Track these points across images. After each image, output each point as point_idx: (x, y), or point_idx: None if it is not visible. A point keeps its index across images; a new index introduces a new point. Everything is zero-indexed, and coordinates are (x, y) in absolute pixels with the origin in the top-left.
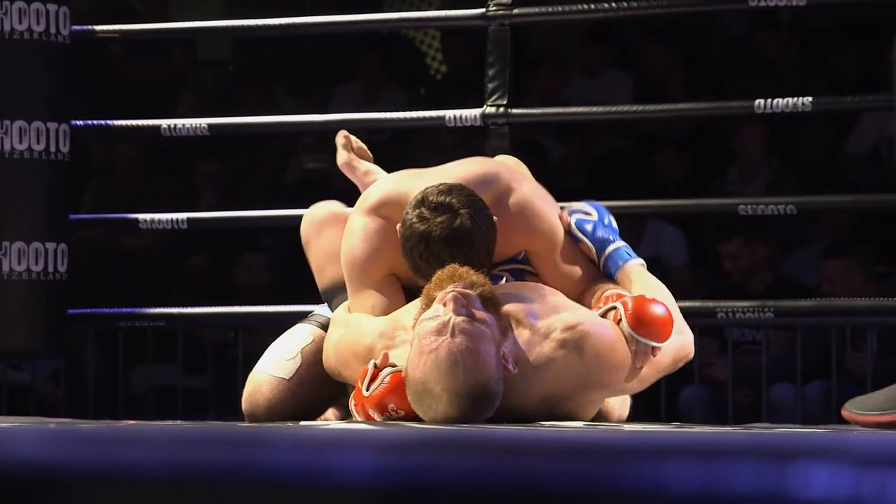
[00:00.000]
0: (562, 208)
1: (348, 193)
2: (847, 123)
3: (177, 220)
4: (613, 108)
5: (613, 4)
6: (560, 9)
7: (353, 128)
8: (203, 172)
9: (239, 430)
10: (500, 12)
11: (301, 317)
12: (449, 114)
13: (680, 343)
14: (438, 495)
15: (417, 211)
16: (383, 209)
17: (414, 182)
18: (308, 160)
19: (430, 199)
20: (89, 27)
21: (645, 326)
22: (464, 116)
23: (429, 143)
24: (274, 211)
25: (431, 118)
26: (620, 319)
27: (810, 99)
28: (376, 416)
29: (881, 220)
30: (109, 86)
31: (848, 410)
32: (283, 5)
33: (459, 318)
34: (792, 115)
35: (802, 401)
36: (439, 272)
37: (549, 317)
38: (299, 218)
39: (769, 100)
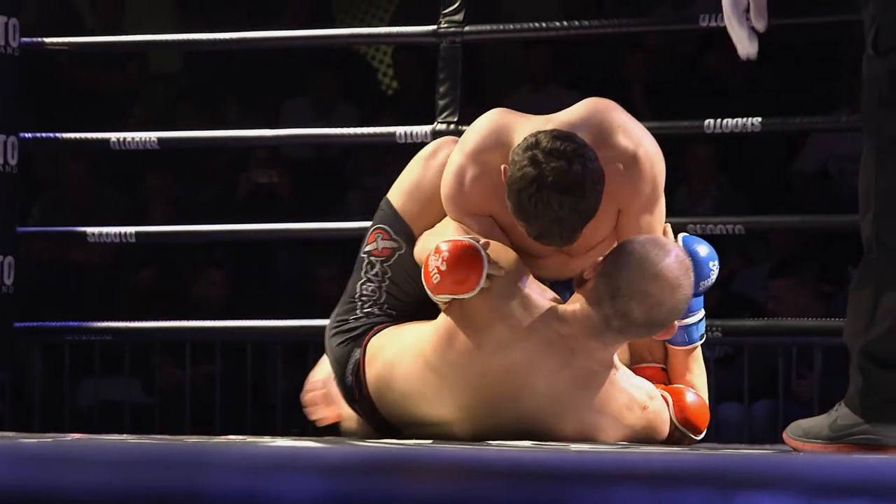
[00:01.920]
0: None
1: (298, 209)
2: (796, 144)
3: (125, 233)
4: None
5: (565, 23)
6: (512, 26)
7: (303, 143)
8: (153, 186)
9: (183, 449)
10: (452, 29)
11: (253, 333)
12: (399, 130)
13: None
14: None
15: (530, 153)
16: (483, 155)
17: (518, 126)
18: (258, 174)
19: (543, 143)
20: (39, 39)
21: (689, 422)
22: (414, 133)
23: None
24: (224, 225)
25: (381, 134)
26: (669, 405)
27: (759, 119)
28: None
29: (828, 239)
30: (60, 98)
31: (790, 436)
32: (236, 20)
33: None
34: (741, 135)
35: (749, 420)
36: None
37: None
38: (250, 232)
39: (719, 120)
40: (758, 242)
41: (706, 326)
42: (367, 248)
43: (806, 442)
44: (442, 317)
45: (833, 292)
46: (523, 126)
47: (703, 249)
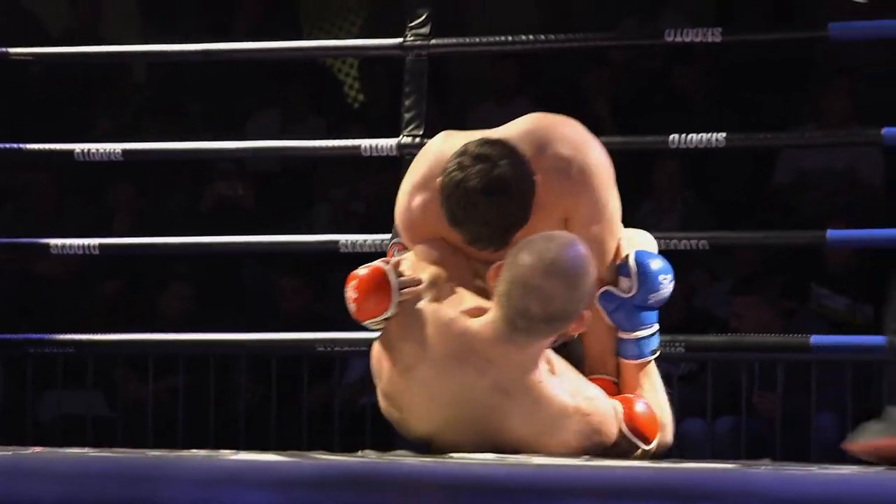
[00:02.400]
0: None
1: (264, 222)
2: (763, 160)
3: (88, 245)
4: None
5: (531, 37)
6: (478, 40)
7: (269, 155)
8: (117, 198)
9: (139, 463)
10: (418, 42)
11: (217, 346)
12: (364, 143)
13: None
14: None
15: (457, 160)
16: (428, 182)
17: (457, 142)
18: (224, 187)
19: (471, 149)
20: (3, 49)
21: (638, 430)
22: (379, 146)
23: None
24: (189, 238)
25: (347, 147)
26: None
27: (724, 135)
28: None
29: (792, 256)
30: (24, 108)
31: (862, 441)
32: (202, 30)
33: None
34: (706, 150)
35: (713, 436)
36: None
37: (580, 382)
38: (214, 245)
39: (683, 135)
40: (722, 258)
41: (670, 342)
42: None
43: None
44: (376, 346)
45: (795, 308)
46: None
47: (656, 263)
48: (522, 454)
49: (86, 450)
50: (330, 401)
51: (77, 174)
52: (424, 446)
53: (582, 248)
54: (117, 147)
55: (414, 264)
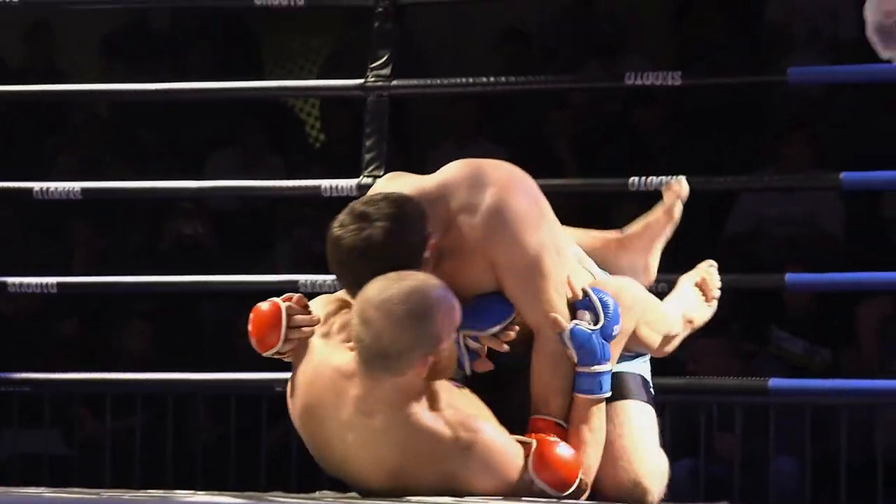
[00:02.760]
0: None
1: (224, 261)
2: (723, 206)
3: (46, 283)
4: None
5: (492, 78)
6: (439, 81)
7: (229, 194)
8: (76, 236)
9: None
10: (379, 83)
11: (175, 385)
12: (325, 183)
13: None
14: None
15: (341, 217)
16: None
17: (399, 184)
18: (184, 225)
19: (356, 206)
20: None
21: (549, 472)
22: (340, 186)
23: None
24: (147, 277)
25: (307, 187)
26: (529, 454)
27: (683, 178)
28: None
29: (752, 300)
30: None
31: None
32: (164, 69)
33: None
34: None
35: (671, 479)
36: None
37: (466, 407)
38: (173, 284)
39: (643, 177)
40: None
41: None
42: None
43: None
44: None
45: (755, 351)
46: (398, 188)
47: (609, 297)
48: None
49: (41, 489)
50: (288, 441)
51: (38, 211)
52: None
53: (433, 293)
54: (76, 185)
55: (326, 301)
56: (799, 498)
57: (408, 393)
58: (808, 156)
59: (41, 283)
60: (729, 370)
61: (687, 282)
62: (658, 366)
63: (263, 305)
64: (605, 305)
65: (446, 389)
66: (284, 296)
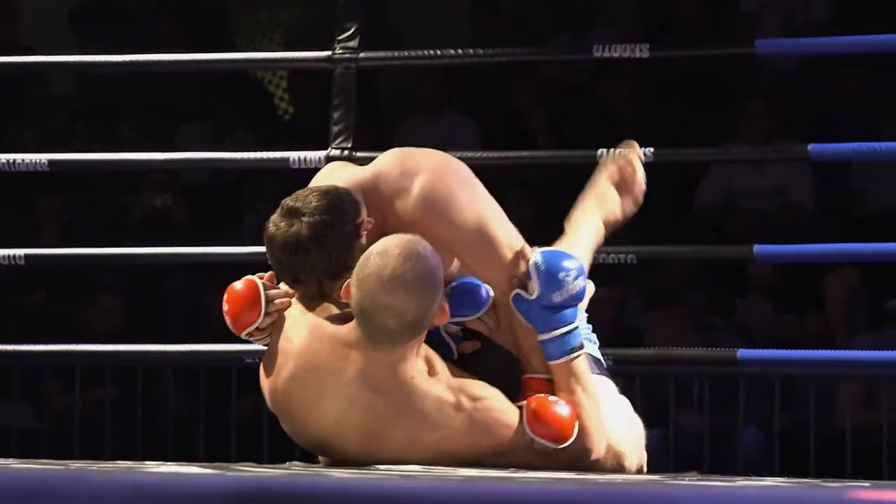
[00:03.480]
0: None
1: (194, 234)
2: (692, 178)
3: (13, 255)
4: (458, 154)
5: (460, 51)
6: (406, 53)
7: (198, 167)
8: (45, 209)
9: (34, 475)
10: (347, 55)
11: (145, 357)
12: (293, 156)
13: (585, 447)
14: None
15: (274, 215)
16: None
17: (333, 179)
18: (153, 198)
19: (288, 202)
20: None
21: (544, 428)
22: (308, 158)
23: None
24: (116, 249)
25: (275, 160)
26: (524, 411)
27: (651, 150)
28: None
29: (722, 271)
30: None
31: None
32: (133, 42)
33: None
34: None
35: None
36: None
37: (463, 378)
38: (143, 256)
39: (612, 150)
40: (651, 274)
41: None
42: None
43: None
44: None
45: (713, 323)
46: (336, 178)
47: (559, 261)
48: (416, 459)
49: (9, 461)
50: (258, 412)
51: (4, 185)
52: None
53: (419, 247)
54: (43, 157)
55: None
56: (768, 468)
57: (412, 361)
58: (775, 128)
59: (9, 255)
60: (686, 343)
61: (603, 180)
62: (627, 338)
63: (238, 284)
64: (543, 273)
65: (439, 360)
66: (257, 274)
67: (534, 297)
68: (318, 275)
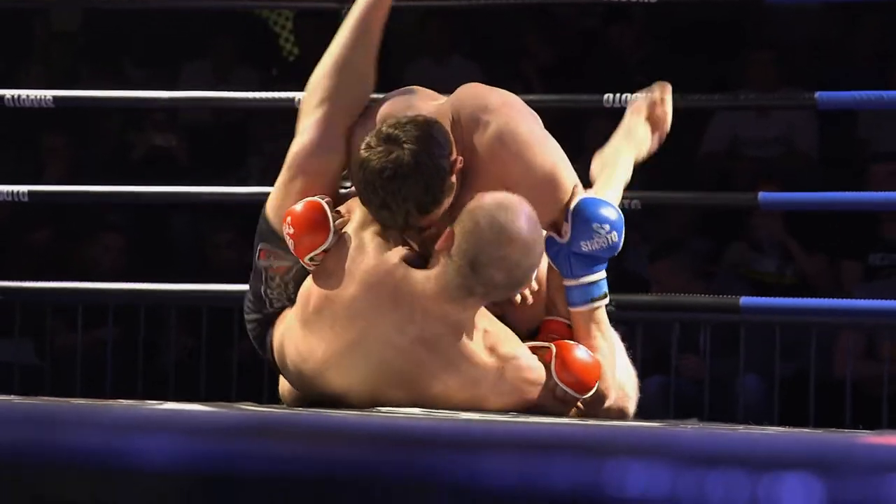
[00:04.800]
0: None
1: (197, 173)
2: (698, 124)
3: (17, 192)
4: None
5: None
6: None
7: (202, 106)
8: (48, 146)
9: (40, 408)
10: None
11: (147, 296)
12: (299, 96)
13: (612, 397)
14: (242, 483)
15: (368, 138)
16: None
17: (401, 105)
18: (157, 137)
19: (383, 129)
20: None
21: (570, 376)
22: None
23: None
24: (120, 187)
25: (280, 99)
26: (551, 359)
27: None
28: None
29: (726, 217)
30: None
31: None
32: None
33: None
34: None
35: (643, 395)
36: None
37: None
38: (146, 195)
39: (618, 94)
40: (655, 221)
41: None
42: (262, 264)
43: None
44: (307, 279)
45: (716, 272)
46: (422, 110)
47: (598, 211)
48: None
49: (11, 397)
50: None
51: (8, 121)
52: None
53: (528, 208)
54: (48, 94)
55: (349, 203)
56: (768, 416)
57: (472, 322)
58: (783, 76)
59: (12, 192)
60: (689, 291)
61: (636, 117)
62: (629, 284)
63: (298, 207)
64: (577, 221)
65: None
66: (314, 197)
67: (564, 241)
68: (409, 204)
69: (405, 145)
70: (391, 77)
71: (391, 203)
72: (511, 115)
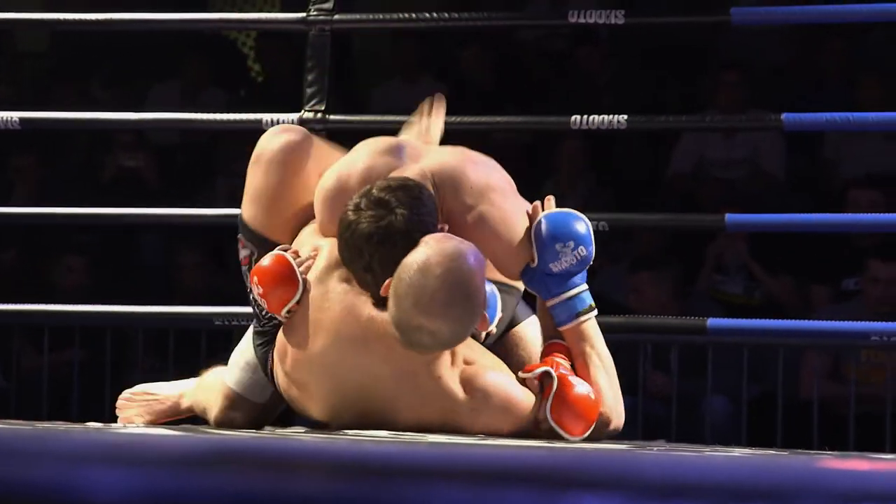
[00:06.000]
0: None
1: (164, 195)
2: (665, 146)
3: None
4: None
5: (434, 14)
6: (382, 16)
7: (171, 127)
8: (16, 167)
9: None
10: (321, 17)
11: (114, 318)
12: (266, 117)
13: (614, 423)
14: None
15: (357, 201)
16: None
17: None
18: (124, 158)
19: (373, 191)
20: None
21: (565, 418)
22: (281, 120)
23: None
24: (86, 209)
25: (248, 121)
26: (548, 397)
27: (625, 117)
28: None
29: (694, 239)
30: None
31: None
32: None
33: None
34: (608, 132)
35: None
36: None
37: (476, 355)
38: (114, 216)
39: (585, 116)
40: (622, 242)
41: None
42: (241, 257)
43: None
44: (280, 334)
45: (691, 291)
46: (406, 171)
47: (559, 229)
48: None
49: None
50: None
51: None
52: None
53: (463, 265)
54: (14, 115)
55: (310, 238)
56: (735, 436)
57: (444, 358)
58: (749, 98)
59: None
60: (668, 307)
61: None
62: (598, 305)
63: (266, 262)
64: (540, 242)
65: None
66: (278, 247)
67: (534, 265)
68: (395, 268)
69: (397, 210)
70: (360, 97)
71: (376, 267)
72: (492, 198)
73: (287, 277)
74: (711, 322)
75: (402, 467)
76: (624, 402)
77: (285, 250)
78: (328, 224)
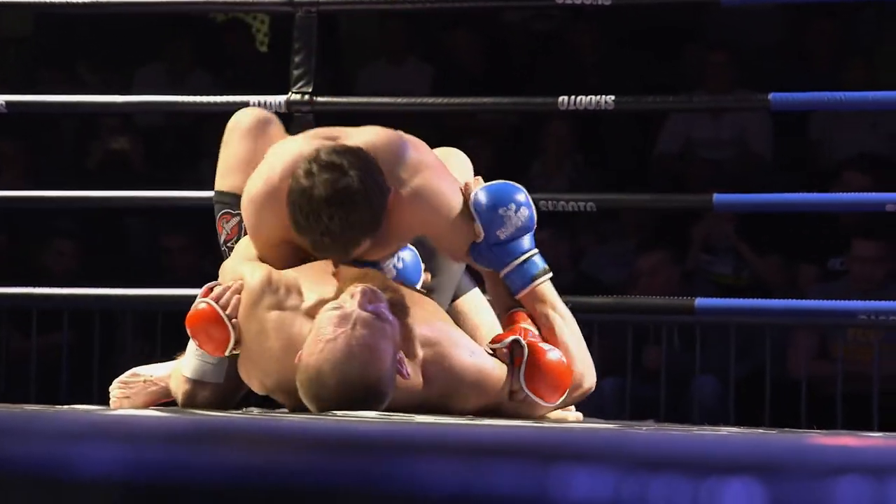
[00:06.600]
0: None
1: (151, 178)
2: (653, 127)
3: None
4: (419, 100)
5: None
6: None
7: (157, 110)
8: (2, 151)
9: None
10: None
11: (102, 301)
12: (253, 99)
13: (588, 381)
14: (186, 492)
15: (307, 166)
16: (280, 182)
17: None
18: (111, 141)
19: (322, 156)
20: None
21: (539, 385)
22: (268, 102)
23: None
24: (73, 192)
25: (234, 103)
26: (520, 366)
27: (613, 97)
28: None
29: (681, 220)
30: None
31: None
32: None
33: (364, 312)
34: (596, 112)
35: (599, 395)
36: (351, 270)
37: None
38: (100, 199)
39: (573, 97)
40: (610, 222)
41: None
42: (222, 240)
43: None
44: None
45: (689, 271)
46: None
47: (493, 197)
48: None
49: None
50: None
51: None
52: None
53: (370, 342)
54: (1, 99)
55: (235, 265)
56: (724, 416)
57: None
58: (737, 78)
59: None
60: (673, 287)
61: None
62: (587, 286)
63: (189, 317)
64: (481, 214)
65: (419, 305)
66: (199, 297)
67: (480, 239)
68: (355, 230)
69: (350, 172)
70: (346, 79)
71: (336, 229)
72: (427, 175)
73: (214, 325)
74: (699, 302)
75: (392, 443)
76: (610, 382)
77: (205, 294)
78: (260, 228)
